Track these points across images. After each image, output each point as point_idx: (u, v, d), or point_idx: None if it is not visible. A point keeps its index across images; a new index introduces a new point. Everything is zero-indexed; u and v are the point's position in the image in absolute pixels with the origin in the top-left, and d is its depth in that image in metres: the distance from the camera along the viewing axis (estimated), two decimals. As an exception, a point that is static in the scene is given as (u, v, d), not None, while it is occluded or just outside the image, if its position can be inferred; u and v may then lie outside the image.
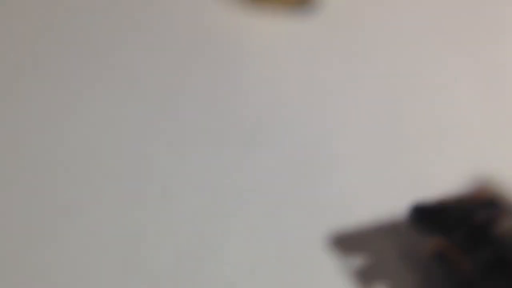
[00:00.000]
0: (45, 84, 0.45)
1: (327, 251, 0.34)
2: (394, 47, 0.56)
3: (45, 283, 0.31)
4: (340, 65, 0.52)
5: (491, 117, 0.47)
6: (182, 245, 0.34)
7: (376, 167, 0.41)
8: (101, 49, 0.50)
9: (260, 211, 0.37)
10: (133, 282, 0.31)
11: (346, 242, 0.35)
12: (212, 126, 0.43)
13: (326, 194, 0.38)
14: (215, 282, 0.32)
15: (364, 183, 0.39)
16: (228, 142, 0.41)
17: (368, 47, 0.56)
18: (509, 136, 0.45)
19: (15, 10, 0.53)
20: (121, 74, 0.47)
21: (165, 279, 0.31)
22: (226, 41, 0.54)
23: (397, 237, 0.35)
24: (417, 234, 0.35)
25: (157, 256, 0.33)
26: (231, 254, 0.33)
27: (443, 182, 0.40)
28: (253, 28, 0.56)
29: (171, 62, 0.49)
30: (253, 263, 0.33)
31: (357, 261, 0.33)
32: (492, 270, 0.28)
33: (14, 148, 0.39)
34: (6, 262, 0.32)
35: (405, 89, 0.50)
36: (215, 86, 0.47)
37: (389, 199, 0.38)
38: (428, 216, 0.32)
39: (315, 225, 0.36)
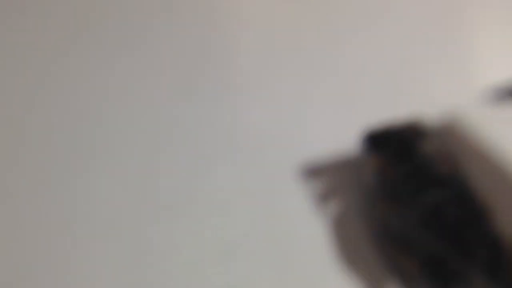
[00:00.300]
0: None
1: (297, 179, 0.44)
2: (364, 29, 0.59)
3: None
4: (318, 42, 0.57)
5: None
6: (183, 172, 0.45)
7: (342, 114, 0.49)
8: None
9: (245, 149, 0.46)
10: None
11: (313, 171, 0.44)
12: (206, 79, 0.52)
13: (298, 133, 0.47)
14: (212, 201, 0.43)
15: (328, 124, 0.48)
16: (217, 94, 0.51)
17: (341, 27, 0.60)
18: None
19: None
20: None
21: (173, 198, 0.42)
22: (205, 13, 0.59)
23: (351, 166, 0.44)
24: (363, 152, 0.43)
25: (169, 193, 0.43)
26: (223, 180, 0.44)
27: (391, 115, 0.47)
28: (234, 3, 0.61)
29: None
30: (240, 189, 0.44)
31: (320, 185, 0.43)
32: (409, 177, 0.37)
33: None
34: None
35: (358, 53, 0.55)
36: (197, 49, 0.55)
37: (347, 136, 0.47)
38: (375, 138, 0.40)
39: (288, 158, 0.45)
